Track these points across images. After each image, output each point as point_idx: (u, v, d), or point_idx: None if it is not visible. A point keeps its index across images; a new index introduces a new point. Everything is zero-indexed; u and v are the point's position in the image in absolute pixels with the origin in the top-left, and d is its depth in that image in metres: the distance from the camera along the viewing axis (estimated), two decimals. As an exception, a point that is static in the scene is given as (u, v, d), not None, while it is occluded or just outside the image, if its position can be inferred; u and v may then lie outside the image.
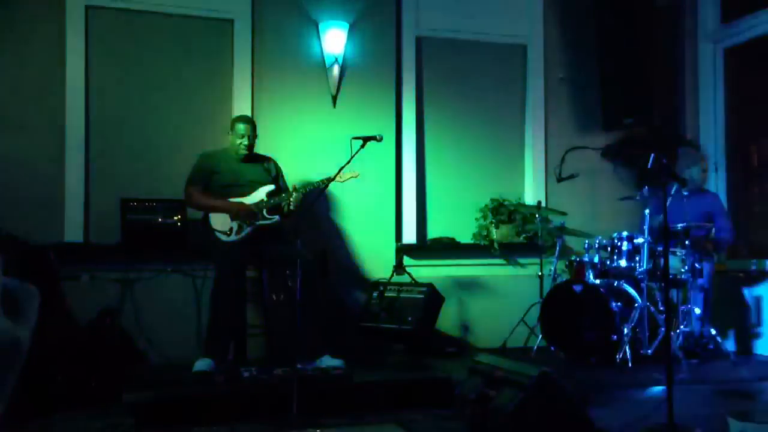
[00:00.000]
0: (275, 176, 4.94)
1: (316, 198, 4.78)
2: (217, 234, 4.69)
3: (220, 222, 4.70)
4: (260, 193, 4.75)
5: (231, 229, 4.68)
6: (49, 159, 5.14)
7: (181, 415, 3.75)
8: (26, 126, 5.11)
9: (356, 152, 4.12)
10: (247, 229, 4.68)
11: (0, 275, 1.49)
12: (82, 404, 3.92)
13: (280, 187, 4.91)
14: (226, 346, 4.56)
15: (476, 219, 6.04)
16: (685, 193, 5.28)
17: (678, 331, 4.99)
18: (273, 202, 4.71)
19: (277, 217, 4.72)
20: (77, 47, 5.22)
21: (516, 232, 5.97)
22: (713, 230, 5.38)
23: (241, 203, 4.70)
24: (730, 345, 5.60)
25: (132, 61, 5.39)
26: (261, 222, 4.70)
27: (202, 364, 4.35)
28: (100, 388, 4.07)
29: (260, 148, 5.02)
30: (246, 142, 4.78)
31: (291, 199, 4.62)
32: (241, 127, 4.81)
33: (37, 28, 5.16)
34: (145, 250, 5.03)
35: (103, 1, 5.31)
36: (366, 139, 4.16)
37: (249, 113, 5.42)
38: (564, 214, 5.60)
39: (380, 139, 4.23)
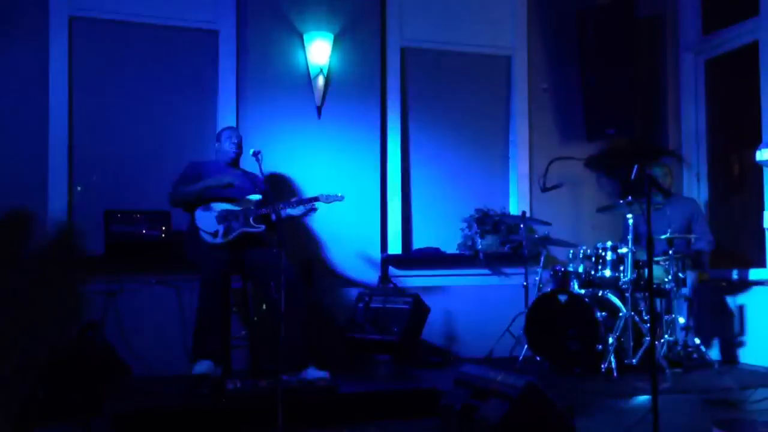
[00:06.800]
0: (263, 190, 4.93)
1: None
2: (203, 234, 4.68)
3: (206, 223, 4.70)
4: (248, 202, 4.77)
5: (217, 232, 4.68)
6: (32, 171, 5.10)
7: (163, 428, 3.72)
8: (8, 137, 5.07)
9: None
10: (233, 234, 4.68)
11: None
12: (63, 417, 3.87)
13: (269, 198, 4.91)
14: (219, 344, 4.52)
15: (461, 229, 6.05)
16: (659, 201, 5.28)
17: (662, 340, 5.01)
18: (261, 212, 4.73)
19: (263, 227, 4.73)
20: (61, 58, 5.19)
21: (501, 242, 5.98)
22: (692, 240, 5.42)
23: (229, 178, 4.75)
24: (714, 354, 5.63)
25: (116, 72, 5.37)
26: (247, 229, 4.71)
27: (201, 367, 4.31)
28: (82, 400, 4.02)
29: (245, 159, 5.00)
30: (235, 140, 4.93)
31: (278, 210, 4.64)
32: (227, 132, 5.01)
33: (20, 39, 5.13)
34: (129, 261, 5.00)
35: (86, 12, 5.29)
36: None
37: (234, 124, 5.42)
38: (548, 224, 5.62)
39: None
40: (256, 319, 5.00)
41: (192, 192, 4.74)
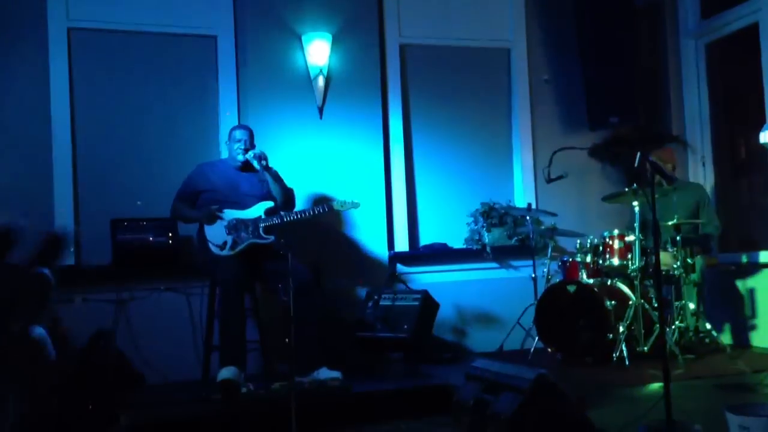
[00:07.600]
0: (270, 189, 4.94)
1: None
2: (211, 246, 4.70)
3: (215, 234, 4.70)
4: (258, 209, 4.75)
5: (225, 243, 4.67)
6: (37, 182, 5.13)
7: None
8: (13, 148, 5.09)
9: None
10: (241, 245, 4.67)
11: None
12: (78, 428, 3.89)
13: (277, 202, 4.91)
14: (242, 350, 4.54)
15: (467, 224, 6.05)
16: (664, 187, 5.29)
17: (673, 327, 5.00)
18: (270, 223, 4.71)
19: (272, 237, 4.71)
20: (61, 69, 5.22)
21: (508, 235, 5.98)
22: (699, 225, 5.40)
23: (213, 214, 4.71)
24: (726, 338, 5.61)
25: (117, 81, 5.40)
26: (256, 241, 4.70)
27: (227, 372, 4.33)
28: (97, 410, 4.04)
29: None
30: (242, 146, 4.81)
31: (288, 219, 4.71)
32: (237, 132, 4.88)
33: (19, 52, 5.15)
34: (138, 269, 5.02)
35: (85, 23, 5.32)
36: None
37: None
38: (554, 215, 5.62)
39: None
40: (266, 322, 5.01)
41: (185, 218, 4.91)
